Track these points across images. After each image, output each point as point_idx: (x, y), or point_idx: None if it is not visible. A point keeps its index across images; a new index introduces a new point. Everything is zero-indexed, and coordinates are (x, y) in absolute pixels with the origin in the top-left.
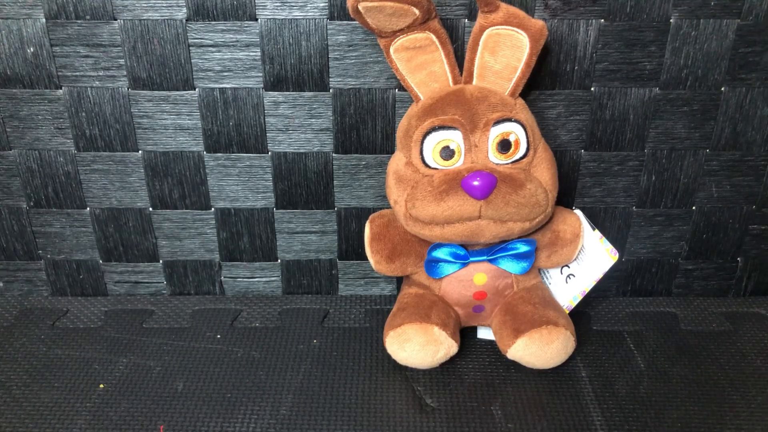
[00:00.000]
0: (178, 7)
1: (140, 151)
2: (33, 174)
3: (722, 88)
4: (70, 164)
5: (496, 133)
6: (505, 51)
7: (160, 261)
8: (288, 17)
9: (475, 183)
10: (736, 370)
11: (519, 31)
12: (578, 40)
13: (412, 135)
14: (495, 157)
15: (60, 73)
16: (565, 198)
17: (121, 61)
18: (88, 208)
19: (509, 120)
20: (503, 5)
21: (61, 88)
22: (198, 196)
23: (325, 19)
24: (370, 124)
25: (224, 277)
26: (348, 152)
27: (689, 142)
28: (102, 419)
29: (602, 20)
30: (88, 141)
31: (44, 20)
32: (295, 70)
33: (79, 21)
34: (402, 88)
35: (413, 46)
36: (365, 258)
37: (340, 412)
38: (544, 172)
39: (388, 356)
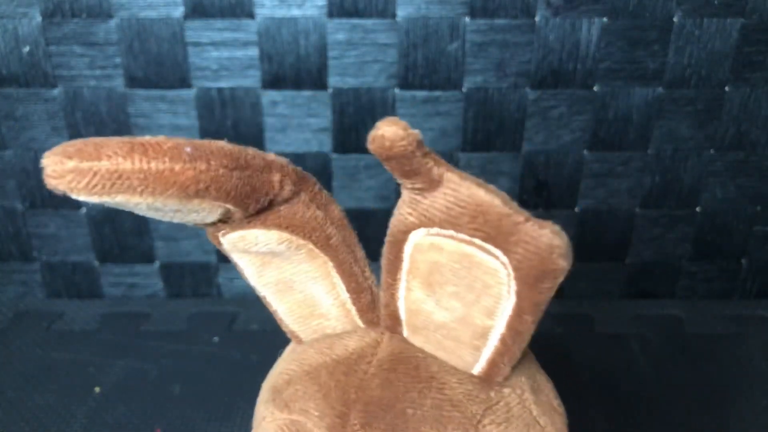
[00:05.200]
0: (175, 5)
1: None
2: (28, 174)
3: (726, 88)
4: None
5: None
6: (460, 289)
7: (157, 263)
8: (286, 15)
9: None
10: (741, 374)
11: (487, 248)
12: (581, 38)
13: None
14: None
15: (56, 73)
16: (568, 199)
17: (118, 60)
18: (83, 209)
19: None
20: (452, 175)
21: (56, 88)
22: None
23: (324, 17)
24: (369, 124)
25: (221, 279)
26: (347, 152)
27: (693, 142)
28: (98, 422)
29: (605, 19)
30: None
31: (40, 19)
32: (294, 68)
33: (75, 19)
34: (405, 86)
35: (254, 250)
36: None
37: None
38: None
39: None
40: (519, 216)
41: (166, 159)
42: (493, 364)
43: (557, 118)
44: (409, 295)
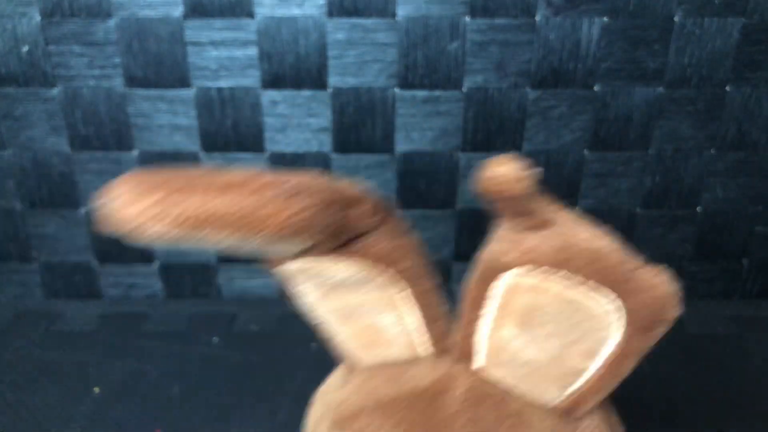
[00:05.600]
0: (175, 4)
1: (136, 151)
2: (27, 174)
3: (727, 87)
4: (65, 164)
5: None
6: (560, 330)
7: (156, 263)
8: (286, 15)
9: None
10: (741, 374)
11: (596, 293)
12: (581, 38)
13: None
14: None
15: (55, 72)
16: (568, 199)
17: (117, 60)
18: (83, 209)
19: None
20: (567, 216)
21: (56, 87)
22: None
23: (324, 17)
24: (369, 124)
25: (221, 280)
26: (347, 152)
27: (694, 142)
28: (97, 423)
29: (605, 18)
30: (84, 140)
31: (39, 18)
32: (294, 68)
33: (74, 19)
34: (405, 86)
35: (326, 280)
36: None
37: None
38: None
39: None
40: (633, 263)
41: (266, 195)
42: (580, 401)
43: (557, 118)
44: (498, 332)
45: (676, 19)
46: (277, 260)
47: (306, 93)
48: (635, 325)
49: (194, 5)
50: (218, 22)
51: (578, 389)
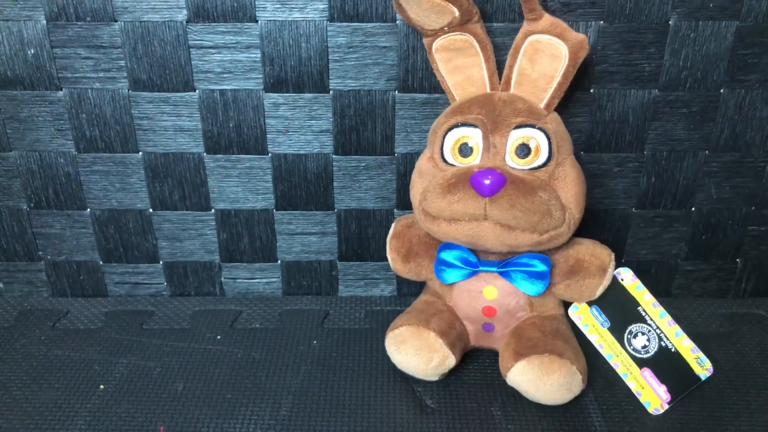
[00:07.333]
0: (179, 9)
1: (140, 153)
2: (33, 175)
3: (721, 90)
4: (71, 165)
5: (516, 136)
6: (544, 60)
7: (161, 262)
8: (288, 19)
9: (482, 179)
10: (735, 371)
11: (559, 41)
12: None
13: (437, 131)
14: (512, 161)
15: (60, 75)
16: None
17: (122, 63)
18: (88, 210)
19: (532, 126)
20: (547, 15)
21: (61, 90)
22: (198, 198)
23: (325, 21)
24: (369, 126)
25: (224, 278)
26: (348, 154)
27: (688, 143)
28: (102, 420)
29: (602, 22)
30: (89, 142)
31: (45, 22)
32: (295, 71)
33: (79, 23)
34: (403, 89)
35: (453, 47)
36: (365, 259)
37: (340, 413)
38: (566, 188)
39: (388, 357)
40: (570, 29)
41: None
42: (552, 98)
43: None
44: (520, 64)
45: (671, 22)
46: (428, 42)
47: (307, 96)
48: (571, 52)
49: (198, 9)
50: (221, 26)
51: (550, 93)
